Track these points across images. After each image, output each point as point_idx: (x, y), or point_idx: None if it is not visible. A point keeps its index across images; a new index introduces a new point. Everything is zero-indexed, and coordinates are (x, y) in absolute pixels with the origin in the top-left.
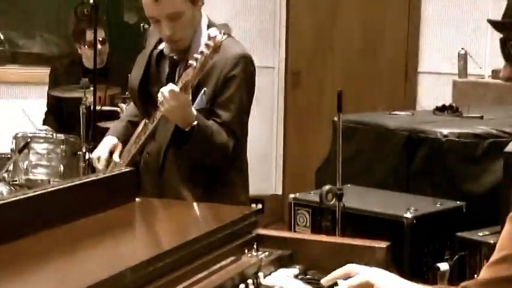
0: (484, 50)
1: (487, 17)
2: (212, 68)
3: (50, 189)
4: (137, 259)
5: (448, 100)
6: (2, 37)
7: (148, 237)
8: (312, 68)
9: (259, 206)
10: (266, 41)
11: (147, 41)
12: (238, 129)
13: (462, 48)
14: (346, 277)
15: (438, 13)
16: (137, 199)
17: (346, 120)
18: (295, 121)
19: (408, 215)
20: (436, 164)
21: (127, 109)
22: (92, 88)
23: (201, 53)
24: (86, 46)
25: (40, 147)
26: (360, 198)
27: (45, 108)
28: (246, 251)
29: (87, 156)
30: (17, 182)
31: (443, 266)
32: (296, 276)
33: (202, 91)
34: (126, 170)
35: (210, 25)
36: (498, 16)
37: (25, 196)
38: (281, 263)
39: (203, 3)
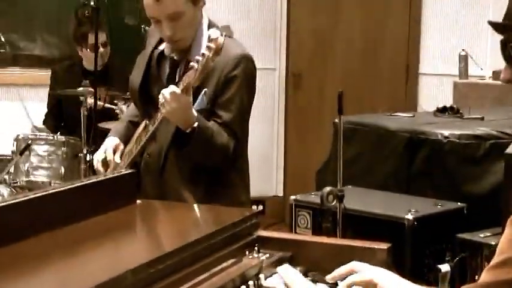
0: (485, 51)
1: (487, 18)
2: (213, 68)
3: (50, 191)
4: (138, 261)
5: (448, 101)
6: (2, 39)
7: (149, 239)
8: (313, 70)
9: (260, 207)
10: (267, 43)
11: (147, 41)
12: (239, 130)
13: (463, 50)
14: (350, 275)
15: (439, 14)
16: (138, 201)
17: (346, 122)
18: (296, 122)
19: (409, 216)
20: (437, 166)
21: (127, 109)
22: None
23: (203, 55)
24: (88, 50)
25: (41, 149)
26: (360, 200)
27: (45, 110)
28: (247, 252)
29: (88, 158)
30: (18, 184)
31: (444, 268)
32: None
33: (203, 92)
34: (127, 172)
35: (210, 25)
36: (499, 17)
37: (26, 198)
38: (282, 264)
39: (204, 4)
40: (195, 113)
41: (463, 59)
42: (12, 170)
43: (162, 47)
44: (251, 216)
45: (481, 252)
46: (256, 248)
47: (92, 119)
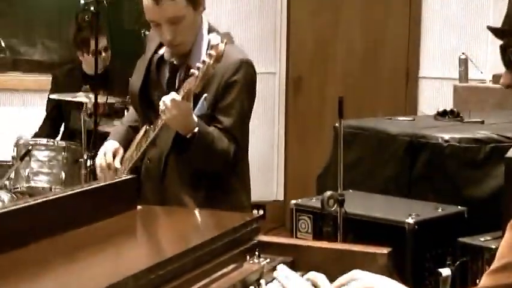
0: (485, 55)
1: (487, 21)
2: (213, 73)
3: (51, 197)
4: (139, 267)
5: (449, 105)
6: (3, 44)
7: (149, 244)
8: (313, 74)
9: (261, 212)
10: (267, 47)
11: (146, 45)
12: (239, 135)
13: (463, 53)
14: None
15: (439, 18)
16: (138, 206)
17: (347, 126)
18: (297, 127)
19: (410, 220)
20: (438, 169)
21: (127, 114)
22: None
23: (204, 62)
24: (90, 55)
25: (41, 155)
26: (361, 204)
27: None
28: (248, 257)
29: (88, 164)
30: (19, 190)
31: (445, 272)
32: None
33: (203, 97)
34: (128, 177)
35: (210, 30)
36: (499, 20)
37: (26, 204)
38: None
39: (204, 9)
40: (196, 119)
41: (463, 63)
42: (12, 175)
43: (161, 51)
44: (252, 221)
45: (481, 256)
46: (257, 253)
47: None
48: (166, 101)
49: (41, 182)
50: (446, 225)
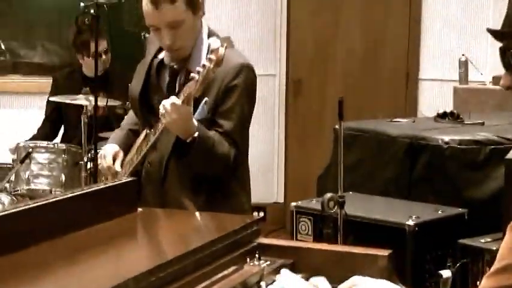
0: (485, 57)
1: (487, 23)
2: (213, 77)
3: (51, 200)
4: (139, 269)
5: (449, 107)
6: (3, 47)
7: (150, 247)
8: (313, 76)
9: (261, 214)
10: (267, 49)
11: (147, 48)
12: (240, 139)
13: (463, 55)
14: None
15: (439, 20)
16: (139, 209)
17: (347, 128)
18: (297, 129)
19: (410, 222)
20: (438, 171)
21: (127, 117)
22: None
23: (204, 66)
24: (90, 57)
25: (41, 157)
26: (361, 206)
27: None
28: (248, 260)
29: (88, 166)
30: (19, 192)
31: (446, 273)
32: None
33: (204, 101)
34: (128, 180)
35: (210, 34)
36: (499, 20)
37: (27, 207)
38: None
39: (204, 14)
40: (196, 123)
41: (463, 64)
42: (12, 178)
43: (161, 55)
44: (252, 223)
45: (482, 257)
46: (257, 255)
47: (92, 126)
48: (166, 105)
49: (41, 184)
50: (447, 226)
